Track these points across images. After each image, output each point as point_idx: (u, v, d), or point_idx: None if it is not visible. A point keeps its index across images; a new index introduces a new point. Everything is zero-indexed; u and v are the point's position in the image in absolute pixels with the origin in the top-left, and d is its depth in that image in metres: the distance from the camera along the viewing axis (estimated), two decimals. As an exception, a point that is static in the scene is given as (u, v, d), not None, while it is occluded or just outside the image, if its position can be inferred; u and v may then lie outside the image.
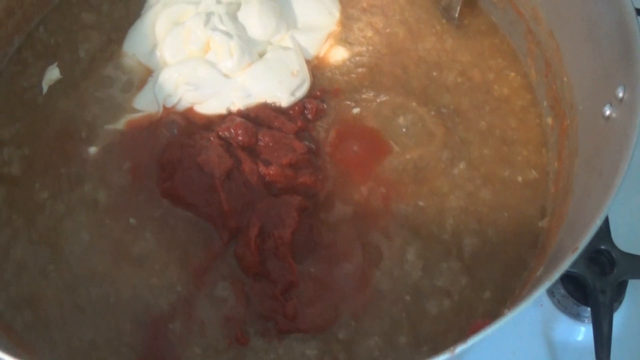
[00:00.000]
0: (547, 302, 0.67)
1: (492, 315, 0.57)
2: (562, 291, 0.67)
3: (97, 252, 0.60)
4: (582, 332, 0.67)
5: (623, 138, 0.50)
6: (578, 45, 0.61)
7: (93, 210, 0.61)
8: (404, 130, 0.64)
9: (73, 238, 0.60)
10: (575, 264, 0.67)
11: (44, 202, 0.62)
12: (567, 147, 0.61)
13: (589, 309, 0.64)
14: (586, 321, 0.66)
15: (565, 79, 0.63)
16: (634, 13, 0.53)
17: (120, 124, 0.64)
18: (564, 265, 0.47)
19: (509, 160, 0.64)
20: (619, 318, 0.65)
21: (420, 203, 0.61)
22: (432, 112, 0.65)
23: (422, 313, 0.57)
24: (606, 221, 0.71)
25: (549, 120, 0.65)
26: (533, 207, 0.62)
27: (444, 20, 0.71)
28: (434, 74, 0.68)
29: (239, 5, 0.66)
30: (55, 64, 0.69)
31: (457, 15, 0.70)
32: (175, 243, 0.60)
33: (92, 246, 0.60)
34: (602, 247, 0.69)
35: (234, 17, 0.65)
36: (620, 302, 0.67)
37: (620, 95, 0.52)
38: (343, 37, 0.70)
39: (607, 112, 0.54)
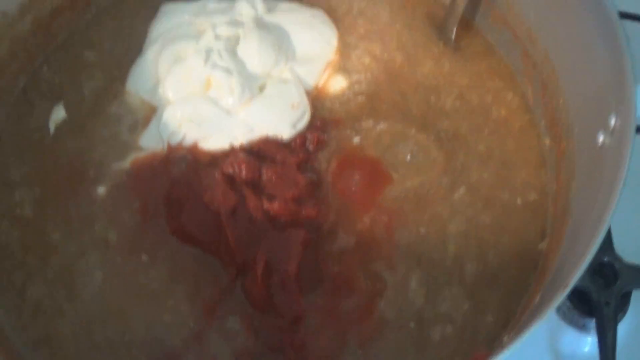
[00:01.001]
0: (553, 316, 0.68)
1: (494, 339, 0.59)
2: (568, 303, 0.68)
3: (110, 290, 0.61)
4: (589, 343, 0.68)
5: (614, 167, 0.50)
6: (573, 68, 0.62)
7: (104, 249, 0.63)
8: (404, 157, 0.65)
9: (87, 277, 0.62)
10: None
11: (56, 243, 0.63)
12: (565, 169, 0.62)
13: (594, 320, 0.66)
14: (592, 332, 0.67)
15: (561, 101, 0.63)
16: (625, 42, 0.53)
17: (127, 163, 0.65)
18: (558, 298, 0.48)
19: (508, 183, 0.65)
20: (624, 328, 0.67)
21: (422, 230, 0.62)
22: (432, 138, 0.66)
23: (426, 340, 0.59)
24: (609, 233, 0.72)
25: (547, 141, 0.66)
26: (533, 229, 0.63)
27: (441, 43, 0.72)
28: (433, 98, 0.69)
29: (237, 40, 0.67)
30: (61, 103, 0.70)
31: (453, 37, 0.71)
32: (186, 279, 0.61)
33: (105, 285, 0.62)
34: (605, 259, 0.70)
35: (233, 52, 0.66)
36: (625, 312, 0.68)
37: (612, 123, 0.53)
38: (341, 66, 0.70)
39: (601, 139, 0.54)
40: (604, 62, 0.55)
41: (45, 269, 0.63)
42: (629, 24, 0.89)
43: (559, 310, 0.68)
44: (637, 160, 0.78)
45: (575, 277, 0.47)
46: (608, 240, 0.71)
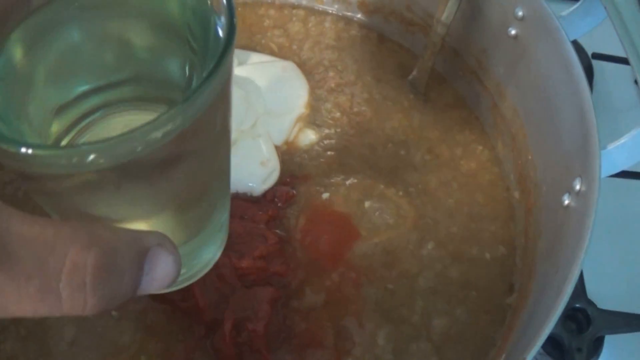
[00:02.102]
0: (526, 363, 0.69)
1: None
2: (540, 350, 0.68)
3: (82, 347, 0.61)
4: (563, 389, 0.69)
5: (579, 230, 0.51)
6: (540, 127, 0.62)
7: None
8: (373, 213, 0.65)
9: (58, 333, 0.61)
10: (551, 324, 0.68)
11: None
12: (533, 224, 0.62)
13: (567, 366, 0.66)
14: (566, 378, 0.68)
15: (530, 157, 0.64)
16: (592, 108, 0.54)
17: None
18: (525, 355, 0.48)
19: (477, 237, 0.65)
20: (597, 373, 0.68)
21: (390, 286, 0.62)
22: (400, 193, 0.66)
23: (394, 397, 0.59)
24: (581, 279, 0.73)
25: (516, 195, 0.66)
26: (501, 284, 0.63)
27: (411, 96, 0.72)
28: (402, 152, 0.69)
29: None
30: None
31: (424, 89, 0.72)
32: (156, 336, 0.61)
33: (77, 341, 0.61)
34: (577, 305, 0.71)
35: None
36: (597, 357, 0.69)
37: (578, 187, 0.53)
38: (311, 120, 0.70)
39: (566, 202, 0.55)
40: (571, 126, 0.56)
41: (18, 325, 0.62)
42: (603, 64, 0.91)
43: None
44: (610, 206, 0.80)
45: (541, 339, 0.47)
46: (580, 286, 0.72)
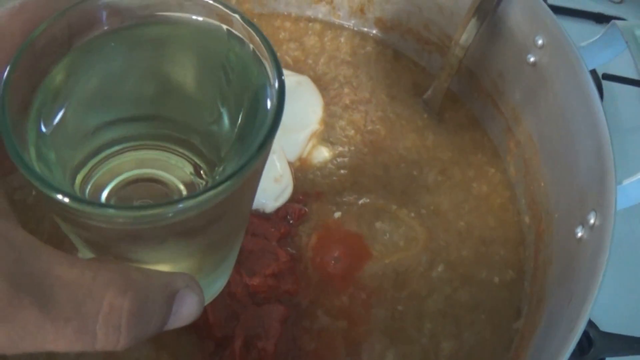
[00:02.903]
0: (527, 384, 0.70)
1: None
2: (542, 371, 0.69)
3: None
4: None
5: (592, 265, 0.51)
6: (555, 156, 0.62)
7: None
8: (384, 234, 0.65)
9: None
10: (553, 346, 0.69)
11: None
12: (543, 252, 0.63)
13: (568, 387, 0.67)
14: (566, 400, 0.68)
15: (542, 184, 0.64)
16: (609, 143, 0.54)
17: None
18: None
19: (486, 261, 0.65)
20: (599, 395, 0.68)
21: (400, 308, 0.63)
22: (412, 215, 0.66)
23: (402, 419, 0.59)
24: (584, 301, 0.73)
25: (527, 219, 0.67)
26: (509, 308, 0.64)
27: (425, 115, 0.72)
28: (415, 173, 0.69)
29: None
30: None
31: (438, 109, 0.72)
32: (167, 351, 0.61)
33: (84, 354, 0.61)
34: (580, 328, 0.71)
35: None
36: (599, 380, 0.70)
37: (592, 221, 0.53)
38: (325, 137, 0.70)
39: (579, 234, 0.55)
40: (587, 158, 0.56)
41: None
42: (613, 85, 0.91)
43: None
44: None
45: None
46: (584, 309, 0.72)
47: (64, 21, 0.32)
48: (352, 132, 0.71)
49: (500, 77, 0.68)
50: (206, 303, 0.40)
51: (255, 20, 0.75)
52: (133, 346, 0.60)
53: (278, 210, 0.66)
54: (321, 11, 0.77)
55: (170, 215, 0.27)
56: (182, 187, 0.34)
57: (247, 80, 0.34)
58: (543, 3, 0.61)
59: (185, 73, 0.36)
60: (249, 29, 0.33)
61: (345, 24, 0.78)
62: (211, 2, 0.34)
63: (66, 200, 0.27)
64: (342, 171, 0.69)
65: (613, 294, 0.76)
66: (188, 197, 0.27)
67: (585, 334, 0.71)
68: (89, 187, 0.33)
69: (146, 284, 0.30)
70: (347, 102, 0.73)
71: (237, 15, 0.33)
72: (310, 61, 0.75)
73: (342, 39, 0.77)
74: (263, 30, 0.34)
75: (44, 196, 0.27)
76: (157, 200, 0.34)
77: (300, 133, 0.69)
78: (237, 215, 0.35)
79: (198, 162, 0.35)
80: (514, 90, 0.67)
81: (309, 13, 0.77)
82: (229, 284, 0.61)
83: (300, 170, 0.69)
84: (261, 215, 0.65)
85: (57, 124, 0.32)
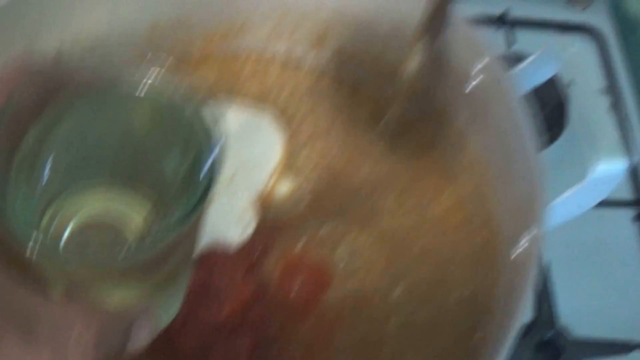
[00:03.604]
0: (497, 394, 0.72)
1: None
2: (514, 379, 0.71)
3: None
4: (537, 418, 0.72)
5: (523, 282, 0.54)
6: (498, 178, 0.66)
7: None
8: (346, 260, 0.69)
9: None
10: (523, 353, 0.73)
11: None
12: (493, 270, 0.66)
13: (543, 395, 0.70)
14: (542, 408, 0.71)
15: (491, 205, 0.67)
16: (538, 167, 0.57)
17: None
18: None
19: (444, 281, 0.68)
20: (571, 402, 0.71)
21: (361, 332, 0.66)
22: (372, 240, 0.70)
23: None
24: (550, 309, 0.76)
25: (478, 240, 0.69)
26: (467, 325, 0.66)
27: (381, 143, 0.75)
28: (374, 198, 0.72)
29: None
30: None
31: (393, 136, 0.75)
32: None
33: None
34: (549, 335, 0.74)
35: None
36: (571, 386, 0.72)
37: (524, 241, 0.57)
38: (288, 169, 0.74)
39: (516, 252, 0.58)
40: (522, 179, 0.59)
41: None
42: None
43: (504, 388, 0.72)
44: (584, 234, 0.83)
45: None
46: (551, 317, 0.74)
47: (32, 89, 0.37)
48: (313, 163, 0.74)
49: (446, 103, 0.71)
50: (163, 325, 0.46)
51: (217, 63, 0.80)
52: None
53: (242, 245, 0.69)
54: (281, 48, 0.81)
55: (114, 264, 0.35)
56: (134, 228, 0.41)
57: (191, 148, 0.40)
58: (477, 31, 0.64)
59: (141, 135, 0.41)
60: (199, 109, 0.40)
61: (304, 61, 0.81)
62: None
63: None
64: (304, 201, 0.72)
65: (585, 296, 0.78)
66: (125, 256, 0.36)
67: (554, 341, 0.74)
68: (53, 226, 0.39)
69: (107, 318, 0.37)
70: (309, 133, 0.76)
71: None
72: (271, 98, 0.79)
73: (302, 75, 0.80)
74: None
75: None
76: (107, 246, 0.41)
77: (264, 167, 0.73)
78: (178, 256, 0.41)
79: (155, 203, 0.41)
80: (460, 114, 0.70)
81: (270, 51, 0.81)
82: (197, 320, 0.65)
83: (264, 203, 0.72)
84: (227, 250, 0.69)
85: (33, 179, 0.38)
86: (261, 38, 0.80)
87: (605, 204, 0.81)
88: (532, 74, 0.64)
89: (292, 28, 0.80)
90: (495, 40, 0.96)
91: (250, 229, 0.70)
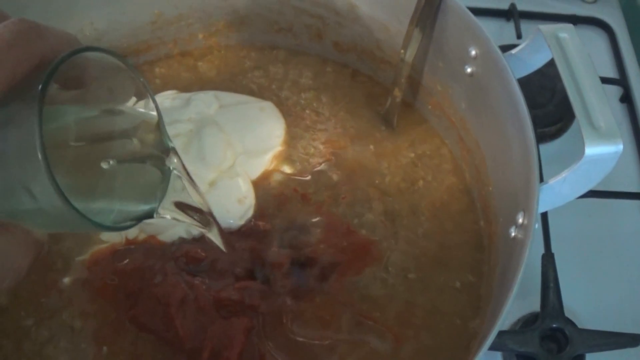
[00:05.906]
0: (504, 382, 0.72)
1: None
2: (521, 371, 0.71)
3: (76, 374, 0.66)
4: (544, 408, 0.71)
5: (518, 262, 0.54)
6: (496, 162, 0.65)
7: (71, 336, 0.68)
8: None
9: (54, 361, 0.67)
10: (528, 343, 0.72)
11: (29, 329, 0.68)
12: (494, 254, 0.66)
13: (546, 385, 0.69)
14: (546, 397, 0.70)
15: (490, 189, 0.67)
16: (534, 146, 0.57)
17: (87, 255, 0.70)
18: None
19: (446, 265, 0.68)
20: (577, 392, 0.70)
21: (361, 314, 0.66)
22: (375, 220, 0.70)
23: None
24: (559, 299, 0.75)
25: (482, 224, 0.69)
26: (468, 310, 0.66)
27: (383, 128, 0.76)
28: (377, 181, 0.73)
29: (190, 138, 0.72)
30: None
31: (395, 122, 0.75)
32: (144, 363, 0.66)
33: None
34: (554, 325, 0.73)
35: (185, 151, 0.71)
36: (578, 376, 0.71)
37: (520, 220, 0.56)
38: (287, 156, 0.74)
39: (513, 234, 0.58)
40: (518, 161, 0.59)
41: (19, 353, 0.67)
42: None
43: (510, 376, 0.71)
44: (589, 225, 0.82)
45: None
46: (558, 306, 0.73)
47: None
48: (313, 150, 0.75)
49: (446, 89, 0.71)
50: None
51: (222, 52, 0.81)
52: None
53: (243, 227, 0.70)
54: (283, 40, 0.82)
55: None
56: None
57: None
58: (472, 15, 0.64)
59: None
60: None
61: (307, 50, 0.82)
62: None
63: None
64: (301, 187, 0.72)
65: (591, 289, 0.77)
66: None
67: (561, 331, 0.72)
68: None
69: None
70: (308, 122, 0.77)
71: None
72: (274, 87, 0.79)
73: (304, 64, 0.81)
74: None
75: None
76: None
77: (263, 155, 0.74)
78: None
79: None
80: (460, 100, 0.70)
81: (273, 42, 0.82)
82: (197, 298, 0.66)
83: (263, 188, 0.72)
84: (227, 233, 0.69)
85: None
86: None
87: (613, 195, 0.81)
88: (527, 58, 0.63)
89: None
90: (503, 32, 0.96)
91: (250, 213, 0.70)
